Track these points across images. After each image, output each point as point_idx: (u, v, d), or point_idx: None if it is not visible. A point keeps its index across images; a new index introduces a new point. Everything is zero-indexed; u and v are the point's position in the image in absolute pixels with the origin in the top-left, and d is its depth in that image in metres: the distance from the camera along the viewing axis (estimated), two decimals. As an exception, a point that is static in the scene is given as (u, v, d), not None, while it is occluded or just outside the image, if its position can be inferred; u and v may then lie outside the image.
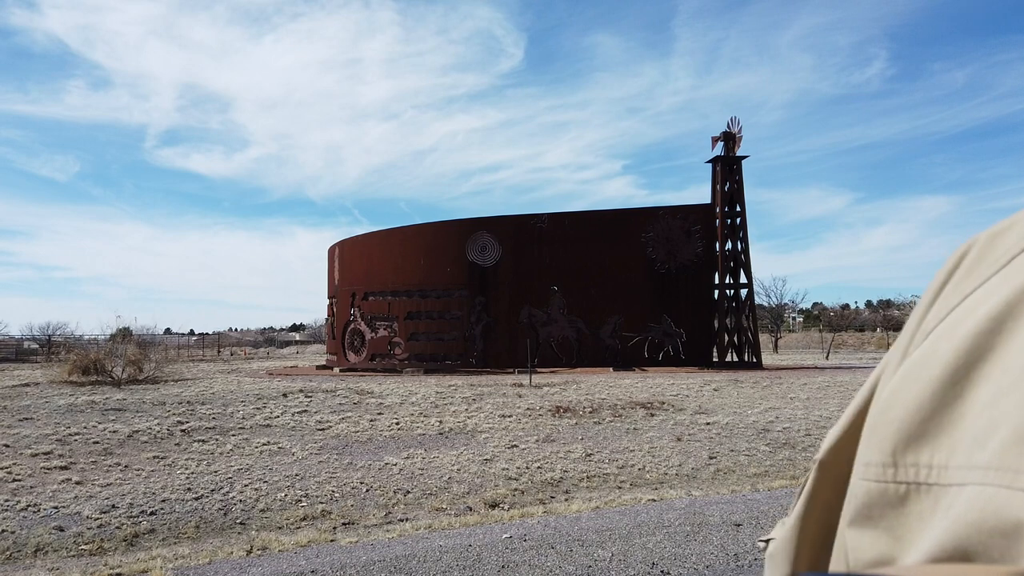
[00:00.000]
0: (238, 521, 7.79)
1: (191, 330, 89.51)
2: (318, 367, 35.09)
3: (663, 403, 16.94)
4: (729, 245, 32.26)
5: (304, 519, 7.87)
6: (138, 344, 29.59)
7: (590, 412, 15.50)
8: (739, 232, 32.27)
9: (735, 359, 31.83)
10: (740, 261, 32.28)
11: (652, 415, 15.23)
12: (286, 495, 8.77)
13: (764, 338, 47.02)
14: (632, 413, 15.46)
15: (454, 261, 31.50)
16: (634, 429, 13.54)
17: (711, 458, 10.93)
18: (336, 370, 32.38)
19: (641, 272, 30.98)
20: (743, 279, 32.37)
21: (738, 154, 32.29)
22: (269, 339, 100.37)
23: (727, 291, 32.40)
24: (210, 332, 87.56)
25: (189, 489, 9.00)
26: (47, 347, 50.43)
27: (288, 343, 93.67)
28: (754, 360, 31.56)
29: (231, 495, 8.74)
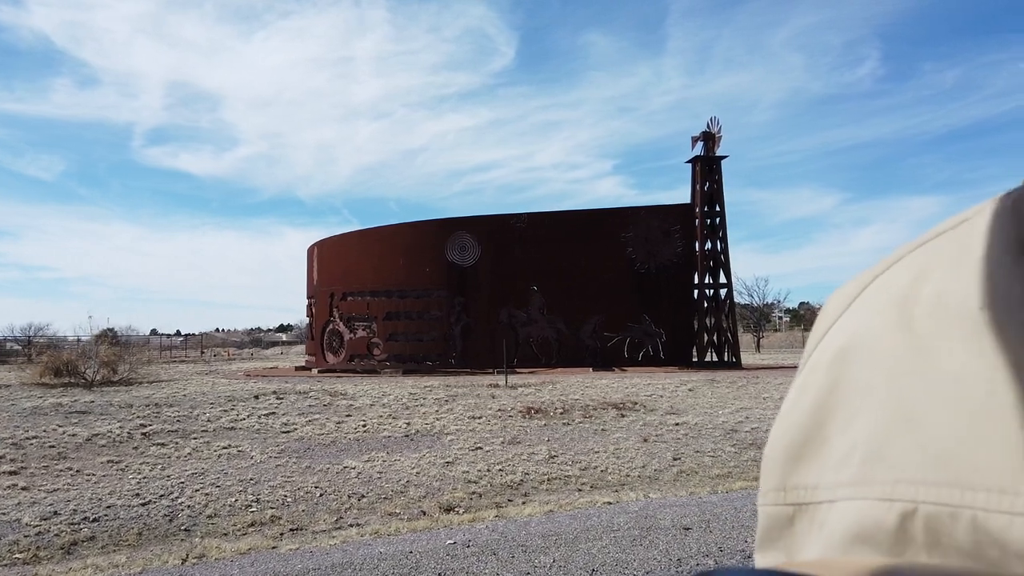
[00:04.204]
0: (183, 528, 7.62)
1: (177, 331, 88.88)
2: (297, 368, 34.79)
3: (636, 403, 16.85)
4: (709, 245, 32.30)
5: (252, 525, 7.71)
6: (114, 344, 29.25)
7: (561, 413, 15.39)
8: (719, 232, 32.30)
9: (715, 359, 31.84)
10: (720, 261, 32.31)
11: (623, 416, 15.13)
12: (236, 500, 8.60)
13: (747, 338, 47.08)
14: (603, 414, 15.37)
15: (433, 261, 31.32)
16: (602, 430, 13.44)
17: (675, 459, 10.84)
18: (314, 371, 32.12)
19: (621, 272, 30.91)
20: (723, 279, 32.41)
21: (718, 154, 32.31)
22: (255, 340, 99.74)
23: (707, 291, 32.43)
24: (197, 333, 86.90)
25: (138, 495, 8.81)
26: (27, 348, 49.84)
27: (274, 344, 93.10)
28: (733, 360, 31.59)
29: (180, 500, 8.57)
